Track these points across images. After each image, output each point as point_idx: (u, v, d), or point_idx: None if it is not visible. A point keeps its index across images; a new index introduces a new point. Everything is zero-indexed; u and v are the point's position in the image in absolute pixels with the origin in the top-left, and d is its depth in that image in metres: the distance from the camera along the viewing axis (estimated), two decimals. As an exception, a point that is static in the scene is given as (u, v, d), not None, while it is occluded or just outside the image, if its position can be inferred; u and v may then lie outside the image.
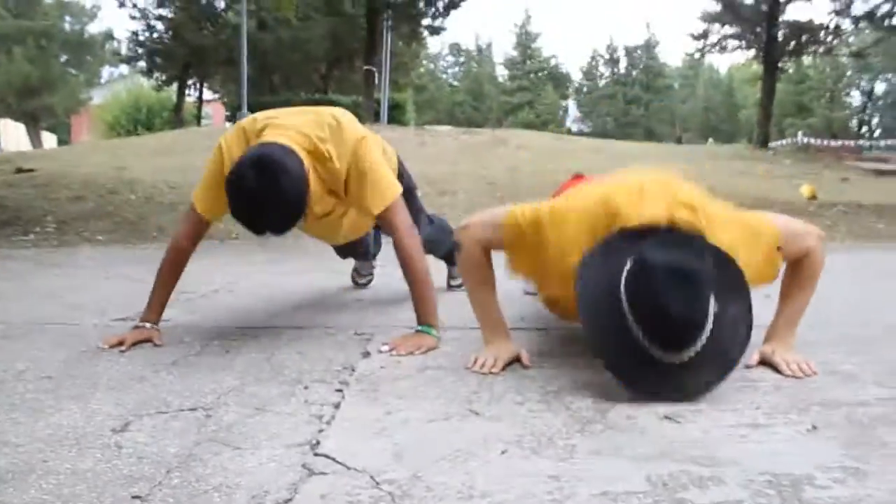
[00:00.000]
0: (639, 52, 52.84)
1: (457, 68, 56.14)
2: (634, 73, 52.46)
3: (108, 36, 31.53)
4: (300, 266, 4.35)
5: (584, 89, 54.23)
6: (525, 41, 53.30)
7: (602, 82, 54.33)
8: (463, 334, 2.25)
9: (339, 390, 1.67)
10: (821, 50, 15.23)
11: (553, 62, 54.03)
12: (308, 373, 1.82)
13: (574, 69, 58.72)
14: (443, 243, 2.77)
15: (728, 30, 15.44)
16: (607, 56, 53.92)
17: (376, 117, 16.61)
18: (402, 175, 2.47)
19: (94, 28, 33.32)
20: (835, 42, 15.09)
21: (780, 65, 15.13)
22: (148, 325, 2.23)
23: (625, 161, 11.59)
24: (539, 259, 1.83)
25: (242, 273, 3.97)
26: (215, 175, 2.16)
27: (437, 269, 2.51)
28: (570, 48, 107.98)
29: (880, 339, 2.23)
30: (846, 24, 14.28)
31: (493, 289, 2.00)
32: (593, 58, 54.65)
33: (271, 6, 9.44)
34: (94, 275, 3.96)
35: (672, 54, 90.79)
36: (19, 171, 10.36)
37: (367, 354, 2.00)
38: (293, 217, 1.97)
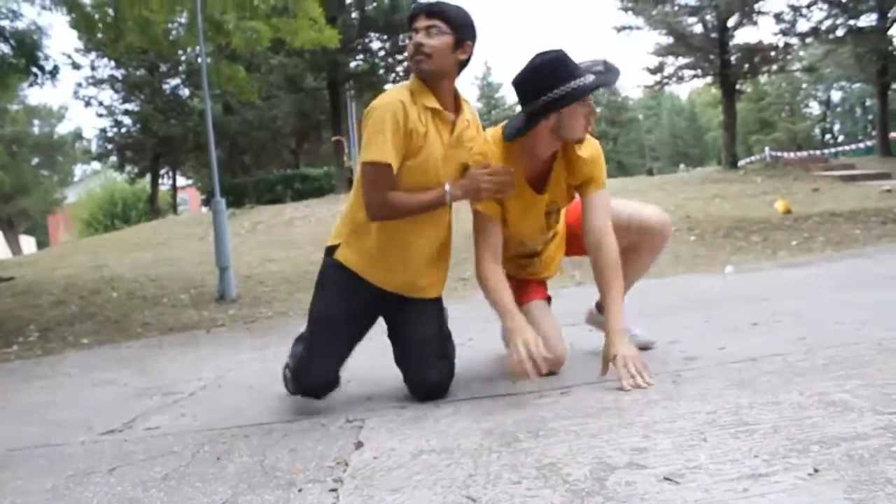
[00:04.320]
0: (601, 89, 53.82)
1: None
2: (598, 109, 53.26)
3: (77, 135, 31.83)
4: (285, 349, 4.28)
5: (552, 130, 54.94)
6: (488, 92, 54.25)
7: (568, 122, 55.08)
8: (456, 408, 2.23)
9: (334, 490, 1.63)
10: (774, 68, 15.64)
11: (517, 109, 54.85)
12: (302, 472, 1.78)
13: (539, 112, 59.41)
14: None
15: (682, 60, 15.85)
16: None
17: (350, 185, 16.73)
18: None
19: (62, 128, 33.61)
20: (787, 58, 15.52)
21: (737, 87, 15.53)
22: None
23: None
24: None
25: (230, 364, 3.92)
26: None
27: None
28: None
29: (870, 360, 2.22)
30: (794, 41, 14.71)
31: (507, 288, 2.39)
32: (556, 99, 55.50)
33: (234, 92, 9.59)
34: (80, 383, 3.89)
35: (633, 87, 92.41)
36: (-2, 280, 10.28)
37: (359, 445, 1.96)
38: None
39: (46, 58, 7.73)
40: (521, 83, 2.35)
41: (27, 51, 7.63)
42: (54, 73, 7.84)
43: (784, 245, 8.12)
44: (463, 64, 2.37)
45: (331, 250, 2.47)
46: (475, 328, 3.90)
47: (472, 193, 2.34)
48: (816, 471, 1.40)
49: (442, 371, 2.43)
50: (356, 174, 2.47)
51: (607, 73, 2.41)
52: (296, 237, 11.28)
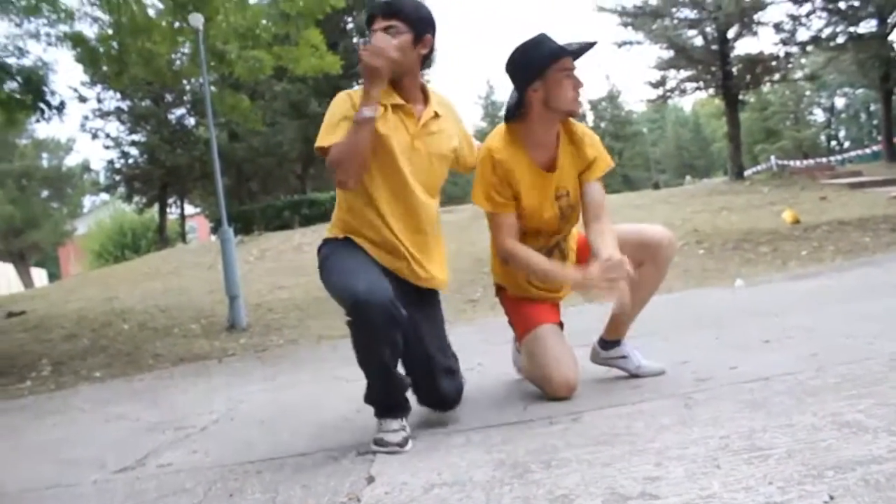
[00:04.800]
0: (604, 103, 54.05)
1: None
2: (603, 124, 53.48)
3: (86, 167, 32.12)
4: (296, 378, 4.31)
5: (557, 146, 55.10)
6: (492, 111, 54.46)
7: (573, 137, 55.25)
8: (467, 438, 2.22)
9: (347, 527, 1.62)
10: (776, 78, 15.65)
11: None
12: (314, 509, 1.77)
13: (543, 129, 59.60)
14: None
15: (684, 73, 15.89)
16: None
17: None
18: None
19: (71, 160, 33.98)
20: (789, 67, 15.53)
21: (740, 97, 15.54)
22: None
23: (611, 216, 11.75)
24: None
25: (241, 395, 3.92)
26: None
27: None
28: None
29: (883, 377, 2.20)
30: (795, 50, 14.71)
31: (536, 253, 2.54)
32: (560, 115, 55.72)
33: (239, 121, 9.68)
34: (93, 419, 3.89)
35: (636, 100, 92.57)
36: (10, 315, 10.35)
37: (371, 480, 1.95)
38: None
39: (53, 94, 7.83)
40: (508, 64, 2.54)
41: (34, 87, 7.71)
42: (61, 108, 7.93)
43: (794, 255, 8.08)
44: (425, 57, 2.46)
45: (329, 240, 2.50)
46: (483, 352, 3.89)
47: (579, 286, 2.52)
48: (832, 498, 1.38)
49: (455, 384, 2.50)
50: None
51: (579, 43, 2.51)
52: (305, 263, 11.30)
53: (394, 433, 2.22)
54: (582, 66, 2.59)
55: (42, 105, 7.80)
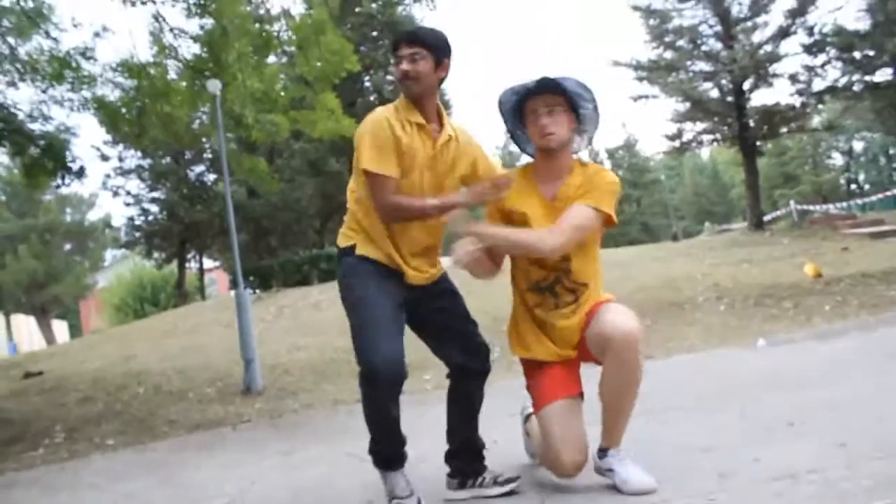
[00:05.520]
0: (620, 152, 54.31)
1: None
2: (620, 172, 53.64)
3: (107, 223, 32.58)
4: (312, 454, 4.22)
5: (574, 194, 55.22)
6: (509, 162, 54.86)
7: (590, 186, 55.41)
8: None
9: None
10: (793, 128, 15.61)
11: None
12: None
13: (560, 177, 59.87)
14: None
15: (700, 125, 15.91)
16: (591, 160, 55.35)
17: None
18: None
19: (93, 215, 34.54)
20: (805, 117, 15.49)
21: (758, 147, 15.51)
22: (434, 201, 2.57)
23: (630, 269, 11.64)
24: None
25: (254, 473, 3.85)
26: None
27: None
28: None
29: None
30: (811, 102, 14.71)
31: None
32: (577, 163, 56.01)
33: (256, 183, 9.80)
34: (104, 498, 3.83)
35: (653, 148, 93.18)
36: (27, 375, 10.37)
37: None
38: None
39: (74, 160, 7.95)
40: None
41: (55, 153, 7.86)
42: (81, 173, 8.06)
43: (817, 310, 7.92)
44: (442, 80, 2.67)
45: (348, 250, 2.66)
46: (499, 424, 3.78)
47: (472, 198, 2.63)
48: None
49: (484, 353, 2.77)
50: (350, 183, 2.73)
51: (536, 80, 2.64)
52: (322, 322, 11.27)
53: (405, 499, 2.56)
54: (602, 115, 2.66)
55: (63, 171, 7.93)
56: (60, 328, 36.82)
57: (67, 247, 35.80)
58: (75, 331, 40.87)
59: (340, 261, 2.72)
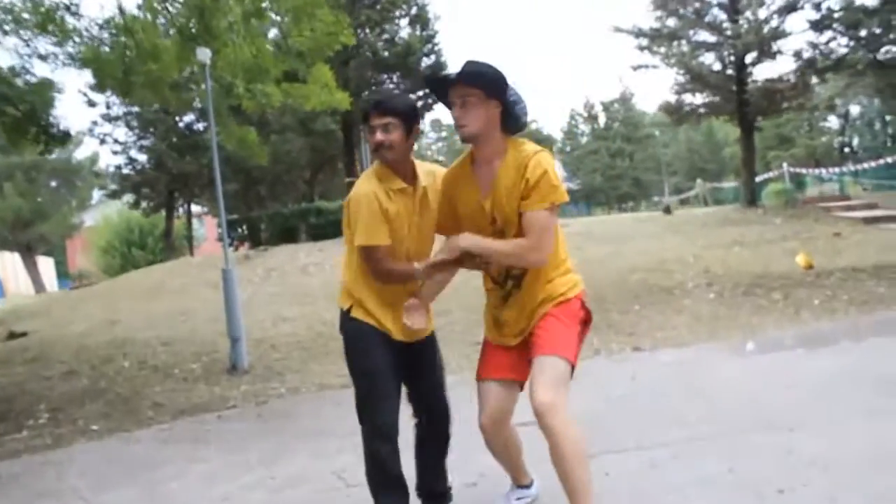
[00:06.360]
0: (616, 105, 53.77)
1: (440, 143, 56.98)
2: (615, 125, 53.26)
3: (94, 161, 32.07)
4: (296, 469, 4.16)
5: (568, 148, 54.95)
6: (503, 110, 54.17)
7: (584, 139, 55.12)
8: None
9: None
10: (794, 105, 15.40)
11: (533, 126, 54.85)
12: None
13: (555, 130, 59.55)
14: None
15: (699, 98, 15.67)
16: (586, 114, 54.86)
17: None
18: None
19: (80, 153, 33.87)
20: (807, 94, 15.27)
21: (756, 125, 15.33)
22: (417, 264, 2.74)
23: (622, 245, 11.59)
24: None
25: (234, 491, 3.82)
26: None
27: None
28: (548, 111, 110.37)
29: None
30: (814, 80, 14.48)
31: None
32: (572, 117, 55.62)
33: (245, 155, 9.58)
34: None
35: (648, 102, 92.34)
36: (11, 336, 10.32)
37: None
38: None
39: (56, 125, 7.69)
40: None
41: (37, 119, 7.61)
42: (64, 139, 7.83)
43: (806, 304, 7.94)
44: (414, 141, 2.81)
45: (347, 311, 2.85)
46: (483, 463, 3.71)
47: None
48: None
49: (447, 404, 3.00)
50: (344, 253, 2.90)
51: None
52: (310, 288, 11.22)
53: None
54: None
55: (45, 136, 7.70)
56: (47, 265, 36.58)
57: (53, 184, 35.33)
58: (61, 268, 40.65)
59: (342, 321, 2.92)
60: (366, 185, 2.74)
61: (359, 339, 2.85)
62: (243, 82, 7.93)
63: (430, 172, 2.90)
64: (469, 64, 2.60)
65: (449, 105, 2.66)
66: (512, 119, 2.63)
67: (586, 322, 2.71)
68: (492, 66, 2.61)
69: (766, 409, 4.21)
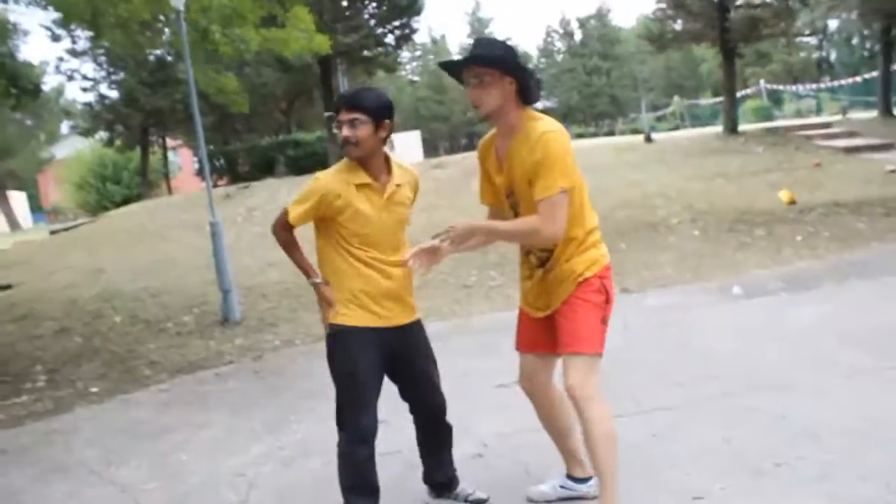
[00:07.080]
0: (592, 21, 52.73)
1: (414, 63, 55.80)
2: (591, 42, 52.38)
3: (60, 92, 31.07)
4: (303, 436, 4.18)
5: (544, 66, 54.10)
6: (478, 28, 53.08)
7: (560, 57, 54.24)
8: None
9: None
10: (776, 31, 15.22)
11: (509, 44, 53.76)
12: None
13: (531, 48, 58.44)
14: None
15: (682, 25, 15.40)
16: (562, 30, 53.82)
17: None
18: None
19: (45, 86, 32.70)
20: (790, 22, 15.07)
21: (738, 52, 15.16)
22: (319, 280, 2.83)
23: (604, 178, 11.56)
24: None
25: (247, 467, 3.88)
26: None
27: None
28: (523, 28, 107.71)
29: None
30: (797, 7, 14.25)
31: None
32: (548, 34, 54.58)
33: (225, 103, 9.33)
34: (100, 493, 3.84)
35: (625, 17, 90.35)
36: (-4, 288, 10.22)
37: None
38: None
39: (24, 83, 7.44)
40: None
41: (7, 73, 7.35)
42: (36, 94, 7.58)
43: (788, 241, 8.11)
44: (384, 139, 2.79)
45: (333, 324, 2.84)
46: (486, 432, 3.78)
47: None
48: None
49: (441, 397, 3.00)
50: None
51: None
52: (294, 231, 11.16)
53: None
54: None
55: (17, 91, 7.46)
56: (19, 199, 35.88)
57: (18, 116, 34.28)
58: (34, 202, 39.96)
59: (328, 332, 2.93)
60: (325, 177, 2.82)
61: (343, 347, 2.83)
62: (219, 27, 7.68)
63: (409, 172, 2.93)
64: (480, 45, 2.65)
65: (465, 84, 2.65)
66: (528, 92, 2.64)
67: (608, 301, 2.70)
68: (503, 43, 2.68)
69: (756, 369, 4.34)
